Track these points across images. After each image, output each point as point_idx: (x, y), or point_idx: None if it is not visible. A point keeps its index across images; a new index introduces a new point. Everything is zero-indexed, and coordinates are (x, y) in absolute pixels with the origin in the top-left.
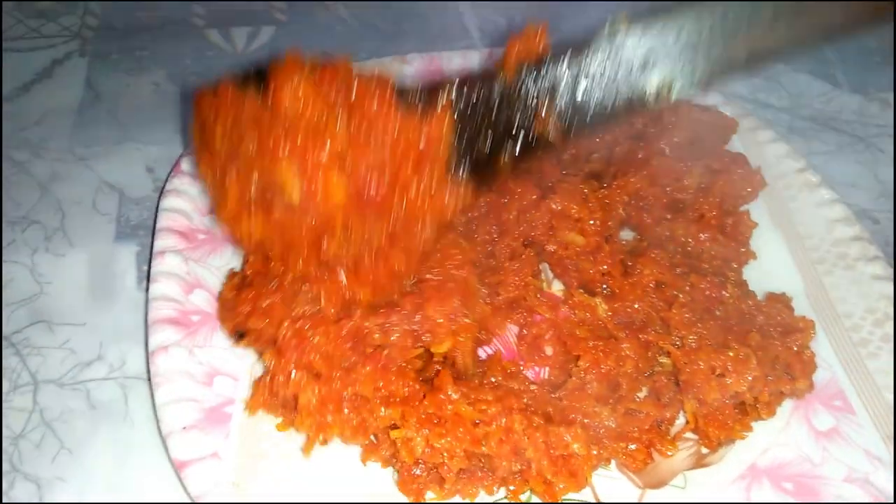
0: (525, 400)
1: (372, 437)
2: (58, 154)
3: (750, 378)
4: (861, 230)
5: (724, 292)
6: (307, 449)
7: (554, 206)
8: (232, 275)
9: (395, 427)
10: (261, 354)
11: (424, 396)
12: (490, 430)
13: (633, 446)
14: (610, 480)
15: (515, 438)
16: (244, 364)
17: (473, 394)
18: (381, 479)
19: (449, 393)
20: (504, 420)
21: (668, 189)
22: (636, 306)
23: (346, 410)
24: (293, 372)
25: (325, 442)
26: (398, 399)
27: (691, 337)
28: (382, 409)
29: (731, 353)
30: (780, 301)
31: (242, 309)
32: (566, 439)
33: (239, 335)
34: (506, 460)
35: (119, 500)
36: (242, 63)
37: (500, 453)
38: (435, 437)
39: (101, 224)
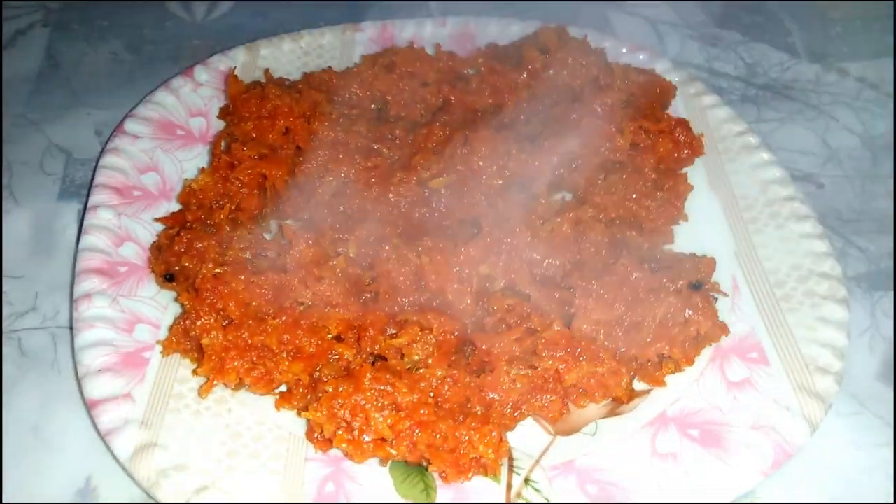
0: (446, 388)
1: (283, 388)
2: (11, 119)
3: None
4: (795, 191)
5: (624, 252)
6: (203, 391)
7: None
8: (170, 223)
9: (305, 408)
10: (179, 295)
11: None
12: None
13: (549, 397)
14: (521, 427)
15: (417, 440)
16: (167, 315)
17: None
18: (294, 427)
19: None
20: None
21: (601, 150)
22: (556, 262)
23: (253, 359)
24: (203, 314)
25: (235, 388)
26: (304, 355)
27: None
28: (286, 364)
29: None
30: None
31: (177, 249)
32: (474, 439)
33: (168, 277)
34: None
35: (39, 441)
36: (201, 33)
37: (404, 453)
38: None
39: (47, 183)
